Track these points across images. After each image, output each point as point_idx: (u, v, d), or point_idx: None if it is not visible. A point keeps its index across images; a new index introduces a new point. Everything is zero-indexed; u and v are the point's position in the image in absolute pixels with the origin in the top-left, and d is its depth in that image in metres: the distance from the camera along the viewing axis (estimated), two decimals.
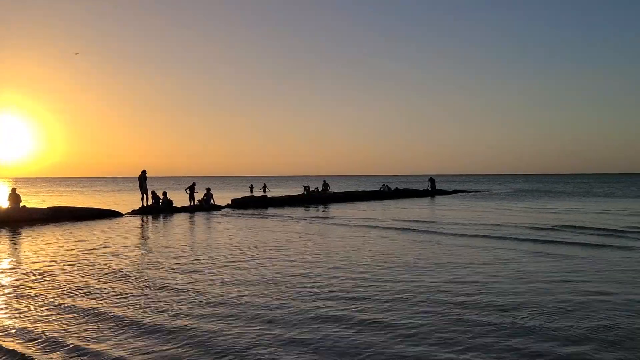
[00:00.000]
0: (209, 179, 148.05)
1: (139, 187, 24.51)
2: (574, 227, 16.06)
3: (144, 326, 5.86)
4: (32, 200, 35.45)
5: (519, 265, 9.41)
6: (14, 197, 20.45)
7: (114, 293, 7.56)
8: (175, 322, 5.98)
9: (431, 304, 6.64)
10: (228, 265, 9.73)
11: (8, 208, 20.11)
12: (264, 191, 50.54)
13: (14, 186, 23.94)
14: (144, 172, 24.28)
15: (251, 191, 52.13)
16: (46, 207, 21.73)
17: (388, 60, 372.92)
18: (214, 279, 8.44)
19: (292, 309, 6.52)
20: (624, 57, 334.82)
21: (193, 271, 9.19)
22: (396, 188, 44.35)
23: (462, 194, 47.79)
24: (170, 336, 5.49)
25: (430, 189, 45.20)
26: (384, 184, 44.25)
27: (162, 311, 6.50)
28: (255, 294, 7.37)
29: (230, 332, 5.62)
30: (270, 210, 26.18)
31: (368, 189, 46.02)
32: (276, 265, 9.75)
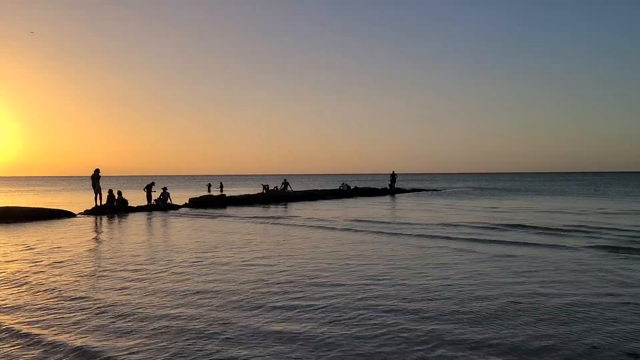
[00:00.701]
0: (166, 178, 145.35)
1: (92, 187, 24.01)
2: (521, 225, 16.70)
3: (34, 339, 5.41)
4: None
5: (469, 267, 9.72)
6: None
7: (7, 302, 7.00)
8: (83, 338, 5.44)
9: (393, 312, 6.32)
10: (171, 271, 9.35)
11: None
12: (221, 190, 50.22)
13: None
14: (97, 170, 23.84)
15: (209, 190, 51.85)
16: None
17: (348, 58, 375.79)
18: (156, 288, 7.77)
19: (237, 322, 5.94)
20: (595, 54, 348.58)
21: (129, 279, 8.49)
22: (355, 187, 44.89)
23: (420, 192, 48.79)
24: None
25: (390, 184, 45.49)
26: (343, 183, 44.80)
27: (70, 324, 5.94)
28: (195, 304, 6.82)
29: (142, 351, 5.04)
30: (229, 210, 26.00)
31: (328, 188, 46.34)
32: (229, 271, 9.24)
